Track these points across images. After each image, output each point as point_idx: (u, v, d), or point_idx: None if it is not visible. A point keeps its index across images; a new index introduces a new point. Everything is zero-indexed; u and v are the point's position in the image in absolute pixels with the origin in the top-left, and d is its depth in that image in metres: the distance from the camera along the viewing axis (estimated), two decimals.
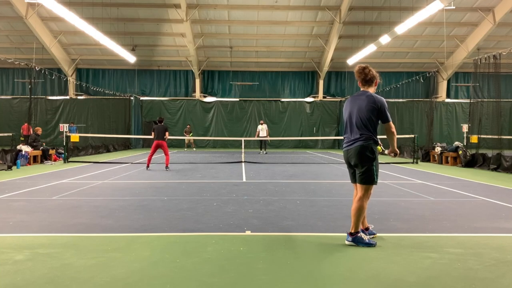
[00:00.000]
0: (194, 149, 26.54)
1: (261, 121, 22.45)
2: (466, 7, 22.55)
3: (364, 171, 4.38)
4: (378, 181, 4.48)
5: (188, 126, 26.56)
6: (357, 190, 4.53)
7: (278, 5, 22.76)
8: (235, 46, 26.98)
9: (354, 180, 4.61)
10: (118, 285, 3.29)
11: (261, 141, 22.10)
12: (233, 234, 4.93)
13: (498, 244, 4.52)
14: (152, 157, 13.06)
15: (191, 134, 25.85)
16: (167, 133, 12.75)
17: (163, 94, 29.54)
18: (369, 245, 4.34)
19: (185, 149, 25.94)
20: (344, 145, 4.63)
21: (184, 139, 26.18)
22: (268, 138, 21.85)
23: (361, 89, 4.58)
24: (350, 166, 4.61)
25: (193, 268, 3.71)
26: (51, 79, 25.53)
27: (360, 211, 4.37)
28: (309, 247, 4.40)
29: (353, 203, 4.47)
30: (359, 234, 4.38)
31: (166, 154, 12.79)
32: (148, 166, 12.74)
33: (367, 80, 4.51)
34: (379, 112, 4.37)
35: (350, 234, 4.40)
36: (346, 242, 4.45)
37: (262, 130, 21.38)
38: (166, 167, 12.62)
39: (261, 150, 22.25)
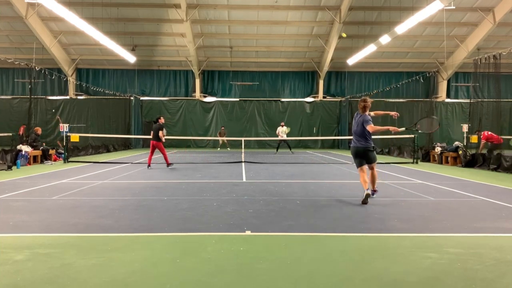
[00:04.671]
0: (228, 148, 26.56)
1: (282, 123, 22.33)
2: (466, 7, 22.53)
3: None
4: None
5: (222, 128, 26.86)
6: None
7: (278, 5, 22.74)
8: (235, 46, 26.96)
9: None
10: (118, 285, 3.29)
11: (285, 141, 22.32)
12: (233, 234, 4.93)
13: (498, 244, 4.52)
14: (152, 156, 13.17)
15: (225, 135, 26.25)
16: (160, 132, 12.65)
17: (163, 94, 29.51)
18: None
19: (218, 149, 26.60)
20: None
21: (218, 139, 26.92)
22: (268, 138, 21.90)
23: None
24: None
25: (193, 268, 3.71)
26: (51, 79, 25.48)
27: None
28: (309, 247, 4.40)
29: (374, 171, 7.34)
30: None
31: (162, 153, 12.92)
32: (149, 165, 12.90)
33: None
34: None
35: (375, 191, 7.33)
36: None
37: (283, 132, 21.64)
38: (168, 165, 12.81)
39: (291, 150, 22.46)
